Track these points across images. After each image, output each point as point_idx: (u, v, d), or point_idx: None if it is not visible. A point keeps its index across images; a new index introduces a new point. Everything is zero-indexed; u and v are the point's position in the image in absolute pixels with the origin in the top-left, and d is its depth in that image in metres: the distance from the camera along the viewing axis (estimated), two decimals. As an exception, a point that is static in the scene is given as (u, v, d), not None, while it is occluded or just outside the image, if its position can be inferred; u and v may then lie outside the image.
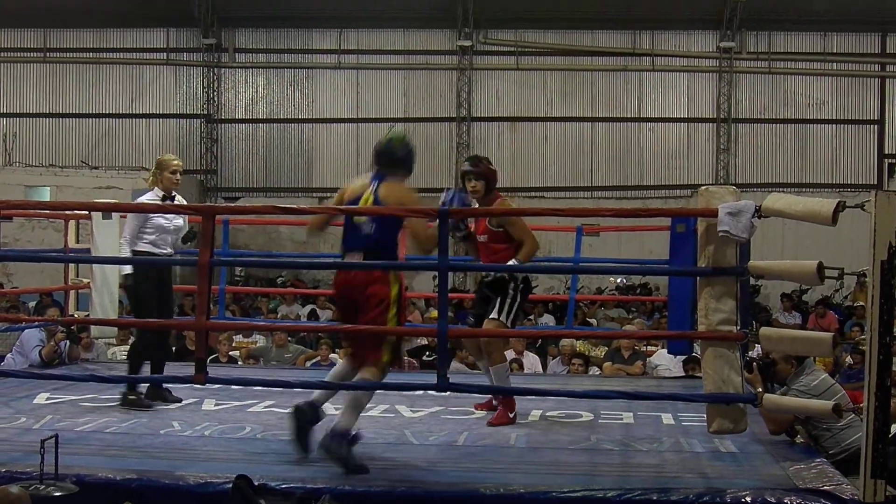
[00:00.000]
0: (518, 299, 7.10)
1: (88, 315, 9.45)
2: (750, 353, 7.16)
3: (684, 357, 10.01)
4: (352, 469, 5.35)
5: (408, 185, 5.99)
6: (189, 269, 19.29)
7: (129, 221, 7.42)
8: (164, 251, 7.44)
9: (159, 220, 7.38)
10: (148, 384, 7.48)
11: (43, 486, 4.56)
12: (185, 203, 7.56)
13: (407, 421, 6.92)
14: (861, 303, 15.96)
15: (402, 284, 5.76)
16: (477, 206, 7.14)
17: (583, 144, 24.17)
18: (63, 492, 4.59)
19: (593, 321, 16.01)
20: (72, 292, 9.95)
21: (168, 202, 7.43)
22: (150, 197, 7.52)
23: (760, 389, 6.18)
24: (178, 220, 7.53)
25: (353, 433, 5.54)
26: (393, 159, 5.97)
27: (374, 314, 5.68)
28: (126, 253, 7.37)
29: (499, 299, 7.05)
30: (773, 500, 4.86)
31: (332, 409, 7.19)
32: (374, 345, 5.72)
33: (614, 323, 16.33)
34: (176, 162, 7.59)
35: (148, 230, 7.37)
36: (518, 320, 7.33)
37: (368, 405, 6.04)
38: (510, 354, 11.59)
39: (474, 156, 7.51)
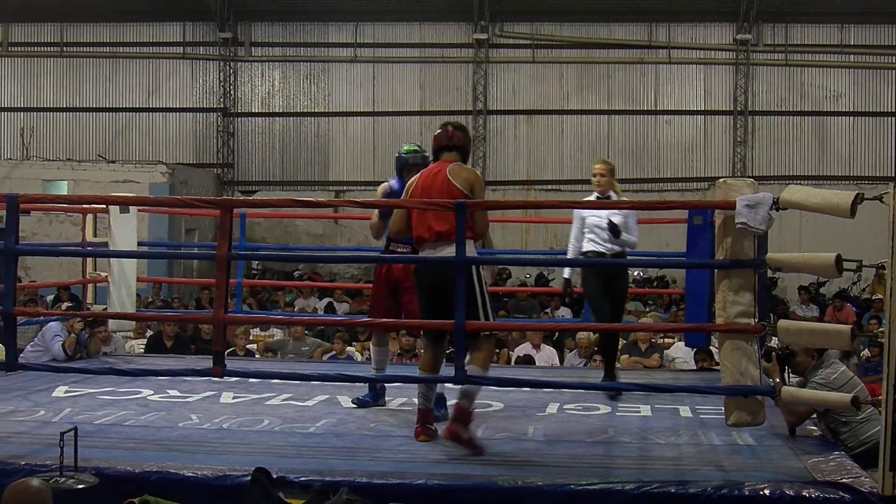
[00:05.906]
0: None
1: (106, 309, 9.49)
2: (769, 342, 7.13)
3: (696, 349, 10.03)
4: None
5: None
6: (206, 263, 19.41)
7: (573, 225, 7.93)
8: (601, 247, 7.78)
9: (591, 219, 7.78)
10: None
11: (63, 479, 4.56)
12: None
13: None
14: (879, 295, 15.89)
15: None
16: None
17: (599, 137, 24.09)
18: (83, 484, 4.59)
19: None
20: (89, 286, 10.00)
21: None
22: (590, 197, 7.99)
23: (778, 379, 6.17)
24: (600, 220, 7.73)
25: None
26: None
27: None
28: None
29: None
30: (791, 493, 4.84)
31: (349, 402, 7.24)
32: None
33: (631, 316, 16.26)
34: (597, 166, 7.93)
35: (584, 230, 7.85)
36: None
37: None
38: (527, 347, 11.62)
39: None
